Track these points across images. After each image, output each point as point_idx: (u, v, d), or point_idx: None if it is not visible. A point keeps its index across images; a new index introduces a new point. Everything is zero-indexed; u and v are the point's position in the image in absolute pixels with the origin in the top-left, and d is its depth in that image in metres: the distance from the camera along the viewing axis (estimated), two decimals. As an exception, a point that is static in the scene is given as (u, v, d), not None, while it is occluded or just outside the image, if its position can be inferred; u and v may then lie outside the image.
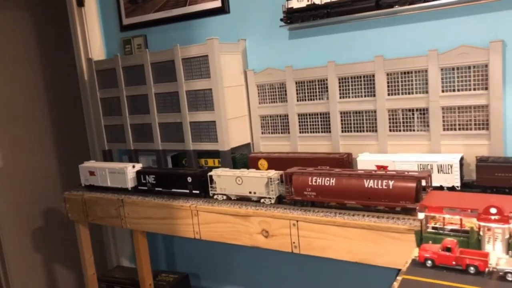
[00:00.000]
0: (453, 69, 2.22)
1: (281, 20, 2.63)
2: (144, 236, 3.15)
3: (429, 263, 1.43)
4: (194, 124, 2.87)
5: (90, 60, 3.30)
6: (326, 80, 2.57)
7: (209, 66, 2.69)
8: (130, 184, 2.84)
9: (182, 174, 2.63)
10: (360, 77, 2.48)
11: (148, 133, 3.11)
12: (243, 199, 2.40)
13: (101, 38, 3.64)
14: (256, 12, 2.86)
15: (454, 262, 1.39)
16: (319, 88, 2.63)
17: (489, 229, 1.48)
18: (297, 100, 2.71)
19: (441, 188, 2.11)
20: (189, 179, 2.59)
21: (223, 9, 2.97)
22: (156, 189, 2.74)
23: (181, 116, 2.90)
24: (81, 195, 3.01)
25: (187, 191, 2.60)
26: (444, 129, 2.30)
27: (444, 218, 1.59)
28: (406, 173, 1.97)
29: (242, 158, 2.84)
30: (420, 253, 1.45)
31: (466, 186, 2.12)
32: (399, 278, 1.39)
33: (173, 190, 2.67)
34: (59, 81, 4.28)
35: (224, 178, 2.43)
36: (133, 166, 2.87)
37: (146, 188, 2.78)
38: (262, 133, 2.90)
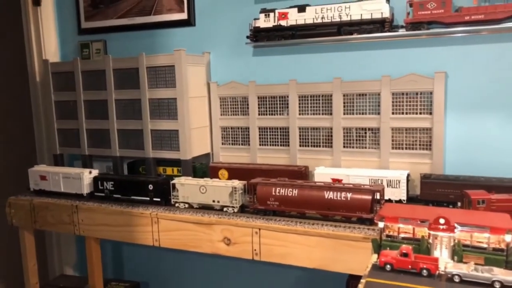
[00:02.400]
0: (402, 94, 2.47)
1: (247, 37, 2.76)
2: (98, 243, 3.09)
3: (388, 267, 1.60)
4: (155, 132, 2.90)
5: (45, 62, 3.21)
6: (287, 97, 2.73)
7: (175, 76, 2.75)
8: (86, 190, 2.79)
9: (144, 182, 2.64)
10: (319, 96, 2.67)
11: (105, 139, 3.07)
12: (205, 208, 2.46)
13: (57, 40, 3.54)
14: (221, 28, 2.97)
15: (410, 266, 1.57)
16: (280, 104, 2.79)
17: (436, 237, 1.69)
18: (259, 114, 2.84)
19: (389, 201, 2.33)
20: (151, 187, 2.61)
21: (188, 22, 3.04)
22: (114, 196, 2.72)
23: (142, 124, 2.91)
24: (29, 200, 2.90)
25: (147, 198, 2.62)
26: (392, 148, 2.54)
27: (398, 228, 1.77)
28: (362, 186, 2.16)
29: (202, 167, 2.91)
30: (381, 258, 1.62)
31: (411, 200, 2.36)
32: (363, 280, 1.54)
33: (133, 197, 2.67)
34: (2, 80, 4.07)
35: (188, 187, 2.48)
36: (90, 172, 2.82)
37: (103, 194, 2.75)
38: (222, 143, 2.99)
